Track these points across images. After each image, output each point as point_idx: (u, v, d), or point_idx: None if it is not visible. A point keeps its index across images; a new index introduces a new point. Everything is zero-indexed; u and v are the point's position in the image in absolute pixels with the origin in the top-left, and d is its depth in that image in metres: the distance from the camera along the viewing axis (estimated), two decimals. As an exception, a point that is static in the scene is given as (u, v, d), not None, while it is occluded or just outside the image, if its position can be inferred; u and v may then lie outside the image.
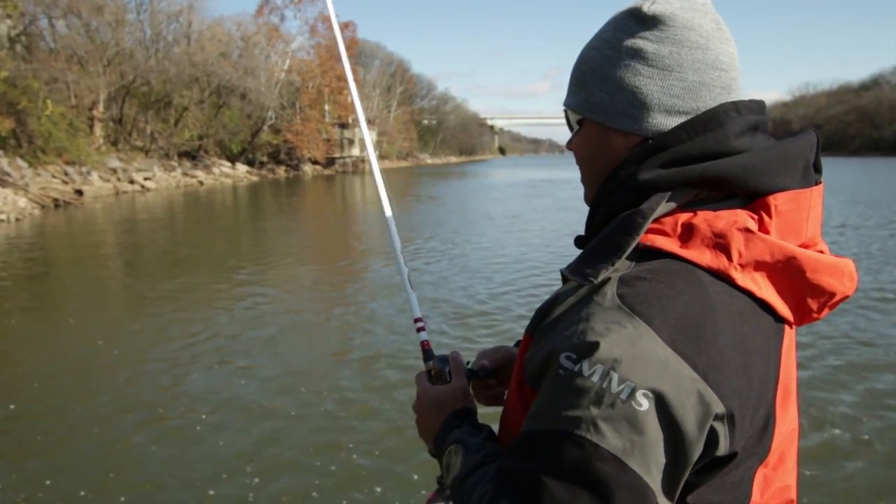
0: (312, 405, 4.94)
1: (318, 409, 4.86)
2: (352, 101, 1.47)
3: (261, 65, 54.19)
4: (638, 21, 0.83)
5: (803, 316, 0.81)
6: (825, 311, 0.82)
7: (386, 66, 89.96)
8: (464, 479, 0.87)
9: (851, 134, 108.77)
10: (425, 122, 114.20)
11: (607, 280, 0.75)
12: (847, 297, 0.81)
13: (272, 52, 57.69)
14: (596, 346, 0.70)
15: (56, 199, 22.78)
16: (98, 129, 36.07)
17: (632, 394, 0.68)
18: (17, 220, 18.01)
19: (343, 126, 63.67)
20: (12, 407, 4.85)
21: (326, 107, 62.85)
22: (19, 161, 24.81)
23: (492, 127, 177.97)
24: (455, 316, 7.38)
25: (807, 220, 0.80)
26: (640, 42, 0.82)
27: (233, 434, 4.44)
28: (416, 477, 3.82)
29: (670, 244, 0.77)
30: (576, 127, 0.90)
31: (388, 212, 1.33)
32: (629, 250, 0.76)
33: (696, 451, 0.70)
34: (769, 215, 0.78)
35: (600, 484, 0.68)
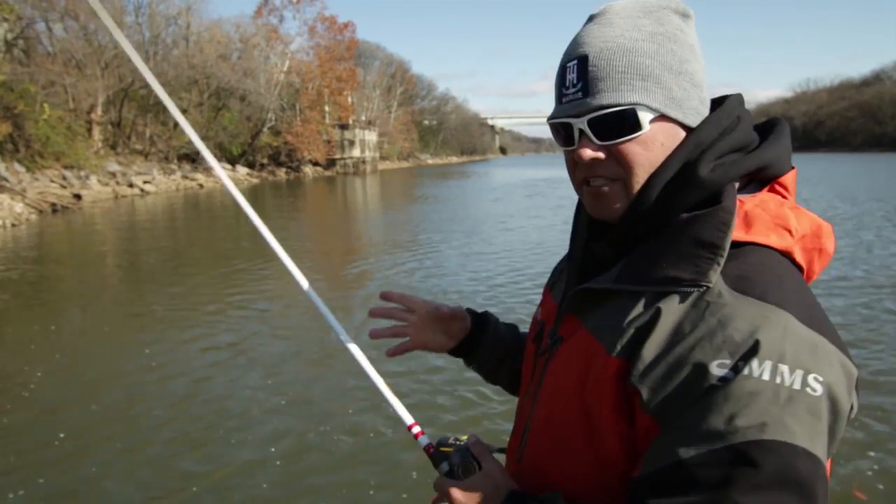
0: (338, 407, 4.90)
1: (342, 412, 4.80)
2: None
3: (260, 66, 54.08)
4: (682, 16, 0.84)
5: (808, 279, 0.85)
6: None
7: (386, 66, 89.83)
8: None
9: (853, 130, 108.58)
10: (426, 122, 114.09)
11: None
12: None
13: (271, 54, 57.57)
14: (753, 343, 0.68)
15: (54, 204, 22.59)
16: (96, 133, 35.93)
17: (804, 381, 0.67)
18: (14, 225, 17.82)
19: (343, 127, 63.48)
20: (62, 434, 4.51)
21: (326, 108, 62.70)
22: (17, 166, 24.66)
23: (492, 127, 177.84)
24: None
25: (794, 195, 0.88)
26: (692, 39, 0.84)
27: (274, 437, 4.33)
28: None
29: (737, 233, 0.77)
30: (646, 127, 0.80)
31: (343, 336, 1.12)
32: (727, 247, 0.75)
33: (846, 420, 0.71)
34: (790, 193, 0.85)
35: (803, 484, 0.65)
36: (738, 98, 0.87)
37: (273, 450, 4.19)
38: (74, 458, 4.17)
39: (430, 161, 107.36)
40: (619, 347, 0.77)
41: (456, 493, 0.89)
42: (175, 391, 5.33)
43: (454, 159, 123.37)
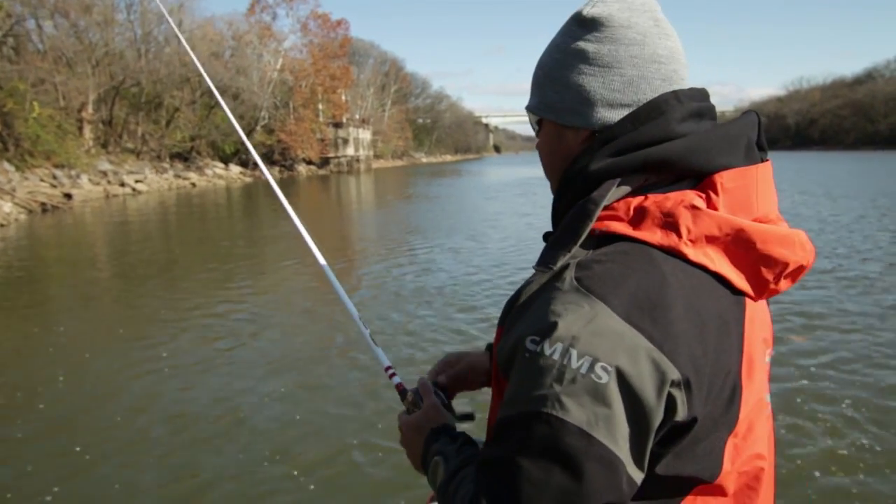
0: (327, 406, 4.87)
1: (332, 412, 4.77)
2: None
3: (253, 64, 53.79)
4: (580, 24, 0.90)
5: (762, 287, 0.83)
6: (784, 283, 0.84)
7: (380, 64, 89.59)
8: (447, 485, 0.90)
9: (846, 128, 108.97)
10: (420, 120, 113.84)
11: (567, 266, 0.80)
12: (805, 267, 0.84)
13: (264, 52, 57.23)
14: (554, 325, 0.74)
15: (44, 204, 22.31)
16: (87, 131, 35.56)
17: (591, 367, 0.72)
18: (2, 225, 17.55)
19: (337, 125, 63.23)
20: (78, 448, 4.39)
21: (320, 106, 62.42)
22: (6, 165, 24.34)
23: (487, 125, 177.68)
24: (445, 306, 7.12)
25: (756, 195, 0.84)
26: (582, 43, 0.88)
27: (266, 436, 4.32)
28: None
29: (623, 227, 0.81)
30: (536, 128, 0.98)
31: (341, 292, 1.58)
32: (584, 236, 0.81)
33: (657, 417, 0.73)
34: (716, 193, 0.82)
35: (570, 458, 0.71)
36: (676, 94, 0.85)
37: (295, 472, 3.99)
38: (89, 470, 4.04)
39: (424, 159, 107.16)
40: (501, 317, 0.89)
41: (400, 424, 1.13)
42: (192, 399, 5.17)
43: (448, 158, 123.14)
